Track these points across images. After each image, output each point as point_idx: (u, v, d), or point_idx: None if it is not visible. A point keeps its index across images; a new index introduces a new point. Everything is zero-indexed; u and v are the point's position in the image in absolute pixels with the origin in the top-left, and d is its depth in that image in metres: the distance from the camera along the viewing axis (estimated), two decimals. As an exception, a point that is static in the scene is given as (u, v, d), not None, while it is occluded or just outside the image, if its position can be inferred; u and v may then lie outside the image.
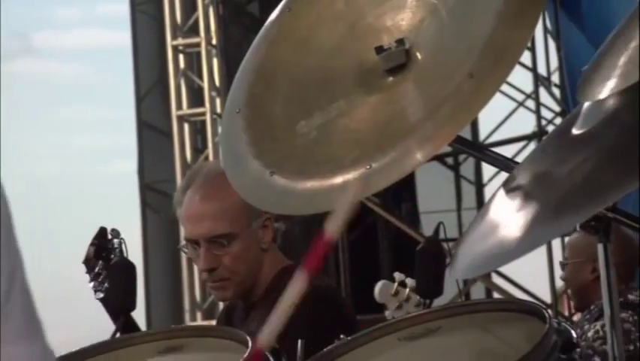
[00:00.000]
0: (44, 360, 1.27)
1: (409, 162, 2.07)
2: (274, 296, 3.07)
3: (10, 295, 1.25)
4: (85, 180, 18.52)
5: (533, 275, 9.79)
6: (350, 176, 2.09)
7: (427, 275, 2.65)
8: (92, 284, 3.15)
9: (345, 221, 1.86)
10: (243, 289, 3.10)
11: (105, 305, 3.13)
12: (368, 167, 2.08)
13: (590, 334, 4.39)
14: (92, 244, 3.17)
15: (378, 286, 2.60)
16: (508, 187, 2.16)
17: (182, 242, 3.19)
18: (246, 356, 1.91)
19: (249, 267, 3.08)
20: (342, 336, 2.23)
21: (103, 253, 3.14)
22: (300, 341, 2.40)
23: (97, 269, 3.14)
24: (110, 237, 3.16)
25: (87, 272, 3.17)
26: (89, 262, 3.16)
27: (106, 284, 3.11)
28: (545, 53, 10.31)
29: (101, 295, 3.13)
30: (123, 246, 3.15)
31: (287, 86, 2.30)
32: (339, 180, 2.11)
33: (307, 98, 2.26)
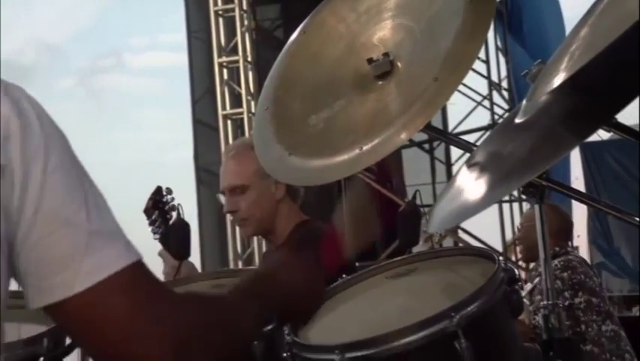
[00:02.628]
0: (128, 252, 1.25)
1: (390, 145, 2.06)
2: (292, 243, 3.11)
3: (90, 214, 1.23)
4: (155, 164, 18.59)
5: (489, 232, 9.84)
6: (345, 156, 2.09)
7: (406, 229, 2.65)
8: (150, 228, 3.16)
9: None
10: (261, 228, 3.20)
11: (162, 244, 3.13)
12: (359, 149, 2.07)
13: None
14: (150, 199, 3.18)
15: None
16: (469, 164, 2.15)
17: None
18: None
19: (263, 212, 3.15)
20: (343, 276, 2.22)
21: (159, 205, 3.15)
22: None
23: (154, 217, 3.14)
24: (164, 193, 3.17)
25: (147, 219, 3.17)
26: (148, 212, 3.17)
27: (161, 229, 3.11)
28: (497, 65, 10.34)
29: (158, 236, 3.14)
30: (180, 209, 3.15)
31: (302, 89, 2.29)
32: (338, 159, 2.11)
33: (317, 97, 2.25)
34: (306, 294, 1.65)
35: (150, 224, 3.18)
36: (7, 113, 1.18)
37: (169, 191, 3.22)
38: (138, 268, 1.26)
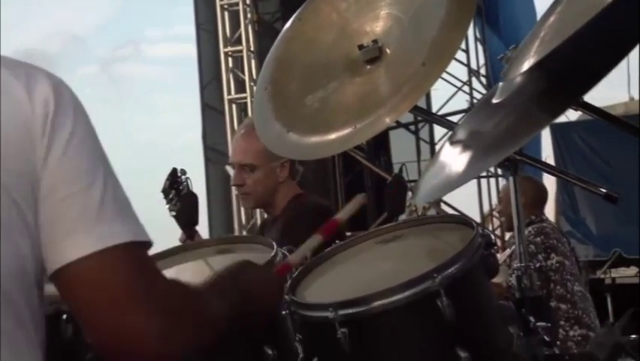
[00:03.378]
0: (138, 230, 1.24)
1: (380, 124, 2.04)
2: (288, 214, 3.12)
3: (106, 189, 1.22)
4: (168, 144, 18.57)
5: (468, 205, 9.86)
6: (340, 134, 2.07)
7: (393, 200, 2.63)
8: (167, 206, 3.18)
9: (349, 215, 1.81)
10: (261, 203, 3.22)
11: (177, 221, 3.14)
12: (353, 128, 2.05)
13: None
14: (167, 179, 3.19)
15: None
16: (451, 141, 2.13)
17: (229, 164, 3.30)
18: (277, 266, 1.86)
19: (265, 190, 3.17)
20: (337, 241, 2.21)
21: (175, 185, 3.16)
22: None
23: (170, 196, 3.15)
24: (179, 174, 3.18)
25: (164, 198, 3.19)
26: (165, 192, 3.18)
27: (177, 206, 3.13)
28: (476, 53, 10.33)
29: (174, 213, 3.15)
30: (189, 182, 3.16)
31: (298, 71, 2.26)
32: (333, 136, 2.09)
33: (312, 79, 2.23)
34: (266, 296, 1.60)
35: (168, 202, 3.21)
36: (49, 95, 1.21)
37: (183, 172, 3.24)
38: (144, 248, 1.25)
